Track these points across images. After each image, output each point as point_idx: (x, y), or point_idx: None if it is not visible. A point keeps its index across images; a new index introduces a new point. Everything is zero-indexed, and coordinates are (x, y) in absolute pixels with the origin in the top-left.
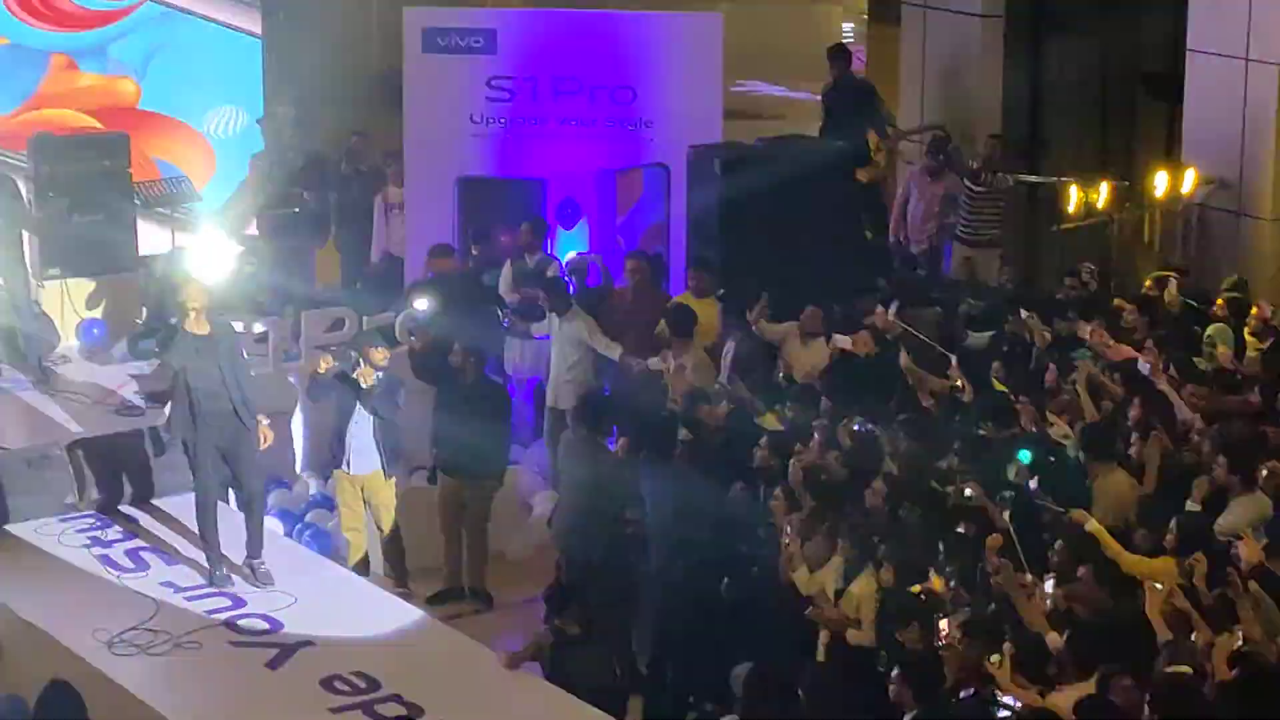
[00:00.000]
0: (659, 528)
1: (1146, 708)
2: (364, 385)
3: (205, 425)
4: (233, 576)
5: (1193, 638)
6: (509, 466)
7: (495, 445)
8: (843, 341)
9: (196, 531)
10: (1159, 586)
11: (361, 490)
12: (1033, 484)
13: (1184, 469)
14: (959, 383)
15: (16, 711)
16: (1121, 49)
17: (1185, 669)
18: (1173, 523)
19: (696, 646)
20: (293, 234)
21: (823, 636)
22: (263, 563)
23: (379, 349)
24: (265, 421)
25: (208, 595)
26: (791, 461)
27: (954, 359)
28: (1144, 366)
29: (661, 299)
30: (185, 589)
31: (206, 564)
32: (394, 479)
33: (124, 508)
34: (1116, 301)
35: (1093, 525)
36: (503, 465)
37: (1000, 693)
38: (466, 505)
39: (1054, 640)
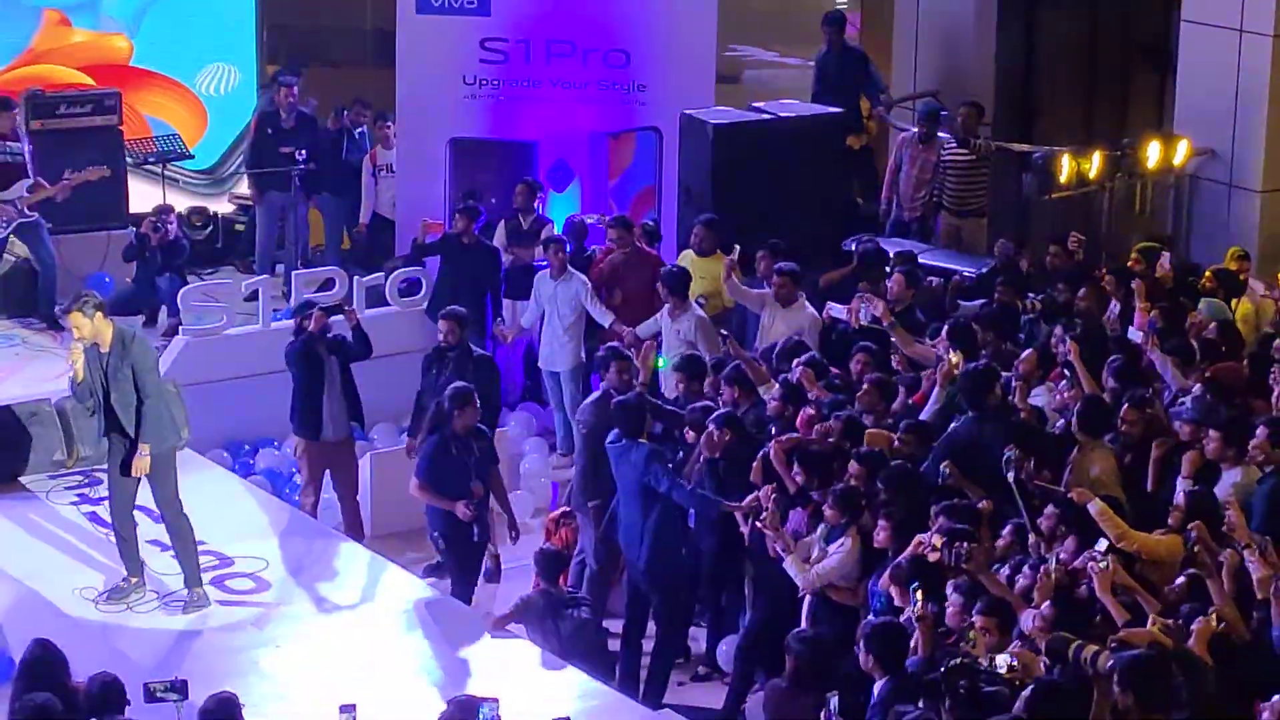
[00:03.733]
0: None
1: (1115, 685)
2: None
3: (112, 442)
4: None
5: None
6: (498, 430)
7: (485, 416)
8: (837, 309)
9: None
10: (1104, 566)
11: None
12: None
13: (1173, 444)
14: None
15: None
16: (1115, 19)
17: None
18: (1179, 499)
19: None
20: (283, 193)
21: (806, 602)
22: (196, 592)
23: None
24: (145, 451)
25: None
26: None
27: (943, 329)
28: (1135, 335)
29: (653, 262)
30: (171, 547)
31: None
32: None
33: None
34: (1098, 272)
35: (1098, 505)
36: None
37: (985, 661)
38: None
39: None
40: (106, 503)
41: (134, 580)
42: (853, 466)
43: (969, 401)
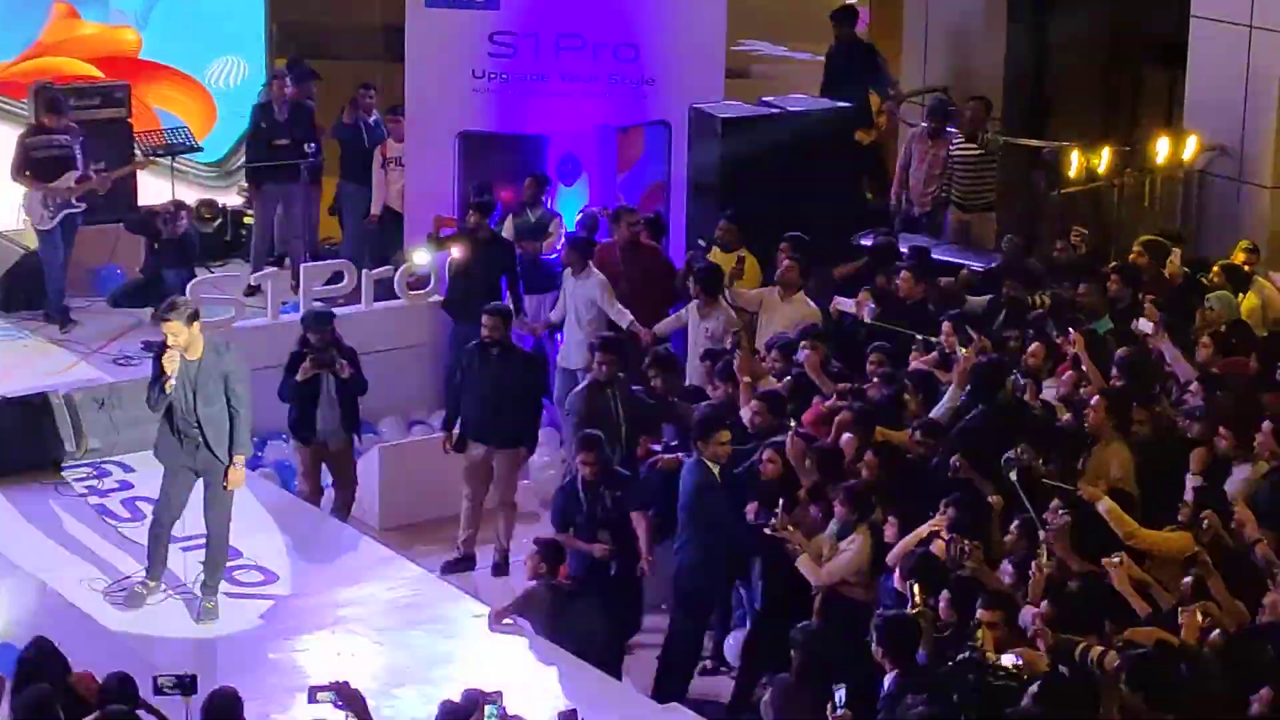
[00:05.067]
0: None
1: (1123, 684)
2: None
3: (183, 446)
4: (146, 595)
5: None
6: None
7: (528, 414)
8: (844, 304)
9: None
10: (1118, 561)
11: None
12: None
13: (1181, 439)
14: (952, 349)
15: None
16: (1126, 14)
17: (1167, 638)
18: (1187, 495)
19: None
20: (280, 185)
21: (817, 598)
22: (212, 601)
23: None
24: (240, 463)
25: (203, 546)
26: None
27: (945, 324)
28: (1145, 326)
29: (655, 255)
30: (180, 540)
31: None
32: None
33: (121, 458)
34: (1103, 269)
35: (1107, 503)
36: (534, 434)
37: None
38: (494, 473)
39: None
40: (154, 508)
41: (152, 585)
42: (868, 457)
43: (980, 396)
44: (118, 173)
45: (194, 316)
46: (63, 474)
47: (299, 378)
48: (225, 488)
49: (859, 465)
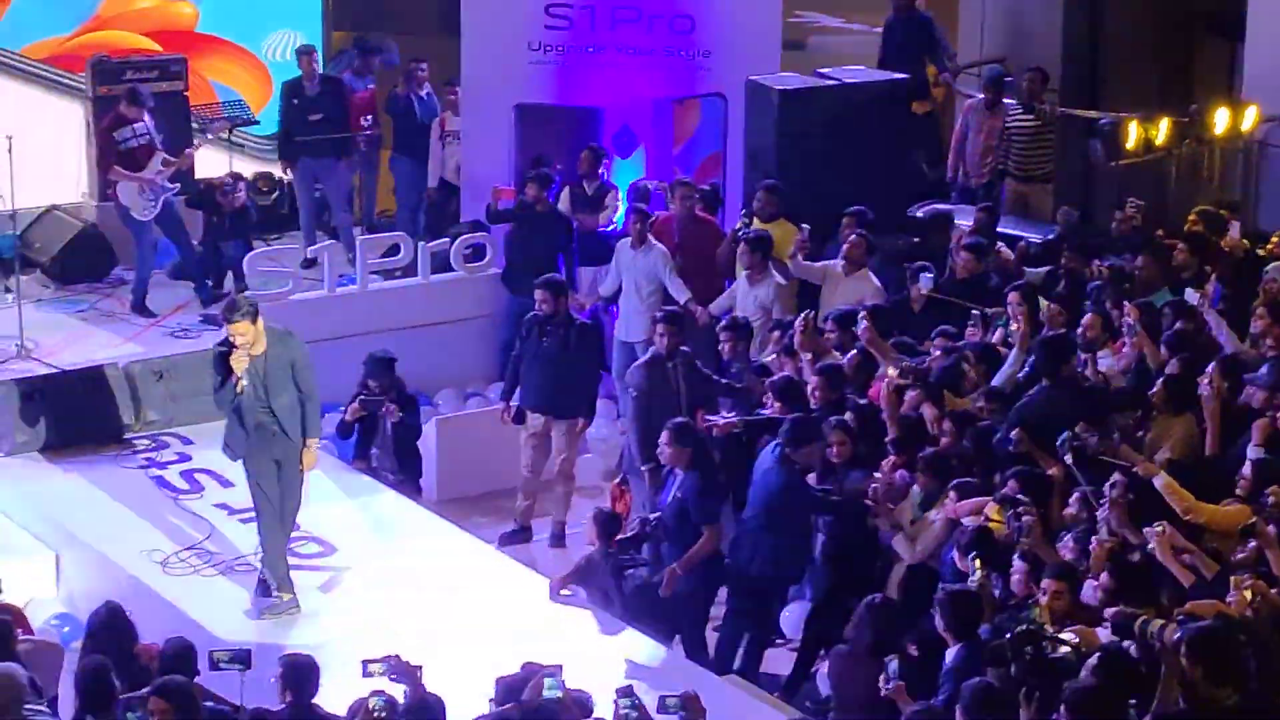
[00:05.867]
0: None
1: (1183, 657)
2: None
3: (256, 438)
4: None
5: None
6: None
7: (586, 385)
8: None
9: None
10: (1160, 529)
11: None
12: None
13: (1241, 410)
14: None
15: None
16: None
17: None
18: (1245, 468)
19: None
20: (315, 160)
21: (896, 571)
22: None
23: None
24: (314, 446)
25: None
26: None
27: (1013, 294)
28: (1192, 297)
29: (712, 229)
30: (239, 511)
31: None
32: None
33: (179, 430)
34: (1167, 240)
35: (1164, 480)
36: (592, 405)
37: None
38: (552, 444)
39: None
40: (254, 520)
41: (286, 597)
42: (946, 425)
43: (1044, 369)
44: (195, 147)
45: (257, 313)
46: (121, 446)
47: (346, 417)
48: (301, 470)
49: (937, 434)
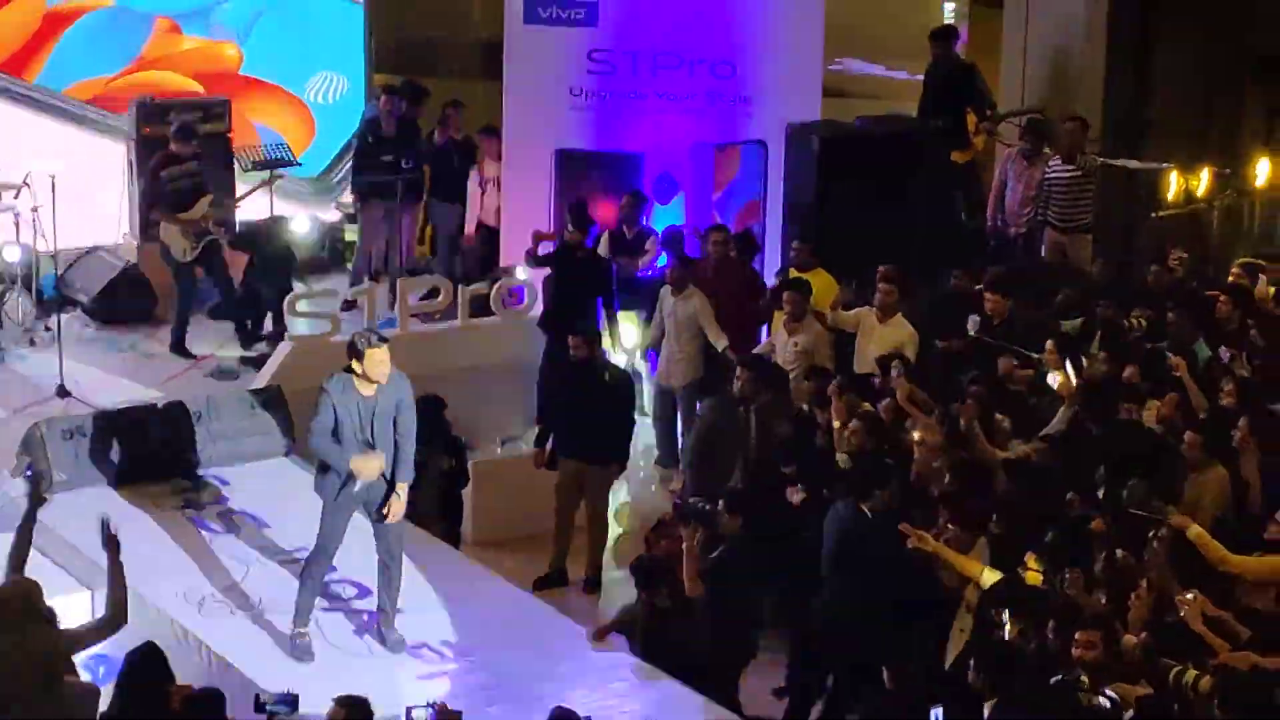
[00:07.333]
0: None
1: (1216, 708)
2: None
3: (355, 482)
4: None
5: None
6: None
7: (620, 431)
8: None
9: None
10: (1190, 598)
11: None
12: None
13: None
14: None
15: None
16: (1230, 32)
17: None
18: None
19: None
20: (390, 202)
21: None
22: (395, 633)
23: None
24: (403, 492)
25: (299, 559)
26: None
27: (1049, 344)
28: (1225, 354)
29: (747, 274)
30: (277, 553)
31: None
32: None
33: (217, 470)
34: (1209, 292)
35: (1194, 530)
36: (626, 451)
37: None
38: (585, 490)
39: (1129, 642)
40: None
41: (306, 629)
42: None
43: (1091, 417)
44: (245, 193)
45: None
46: (160, 486)
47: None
48: (385, 518)
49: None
